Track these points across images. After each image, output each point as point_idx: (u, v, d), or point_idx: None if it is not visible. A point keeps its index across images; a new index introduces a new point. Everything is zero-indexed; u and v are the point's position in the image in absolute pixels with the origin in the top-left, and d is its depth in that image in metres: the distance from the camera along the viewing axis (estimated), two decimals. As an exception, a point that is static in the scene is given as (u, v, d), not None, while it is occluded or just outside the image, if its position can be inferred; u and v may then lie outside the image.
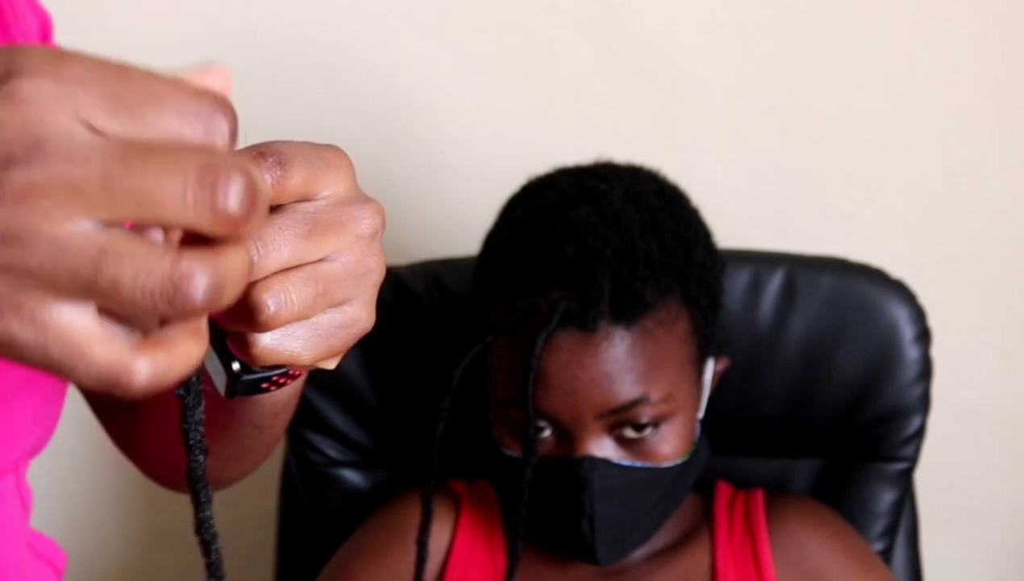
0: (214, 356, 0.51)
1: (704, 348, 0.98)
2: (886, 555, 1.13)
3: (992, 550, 1.42)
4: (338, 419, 1.13)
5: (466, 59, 1.30)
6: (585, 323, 0.90)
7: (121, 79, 0.36)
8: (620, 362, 0.91)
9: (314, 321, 0.48)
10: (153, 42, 1.27)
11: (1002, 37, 1.28)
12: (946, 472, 1.34)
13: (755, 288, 1.10)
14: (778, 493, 1.08)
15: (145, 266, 0.35)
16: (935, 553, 1.25)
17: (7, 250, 0.35)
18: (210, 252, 0.37)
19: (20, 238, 0.35)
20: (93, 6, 1.25)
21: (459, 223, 1.31)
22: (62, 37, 0.77)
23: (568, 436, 0.93)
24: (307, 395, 1.11)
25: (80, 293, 0.36)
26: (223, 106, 0.37)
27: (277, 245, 0.45)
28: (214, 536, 0.48)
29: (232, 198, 0.36)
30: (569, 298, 0.91)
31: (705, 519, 1.05)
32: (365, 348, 1.11)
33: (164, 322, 0.38)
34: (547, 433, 0.94)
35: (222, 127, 0.37)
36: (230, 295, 0.37)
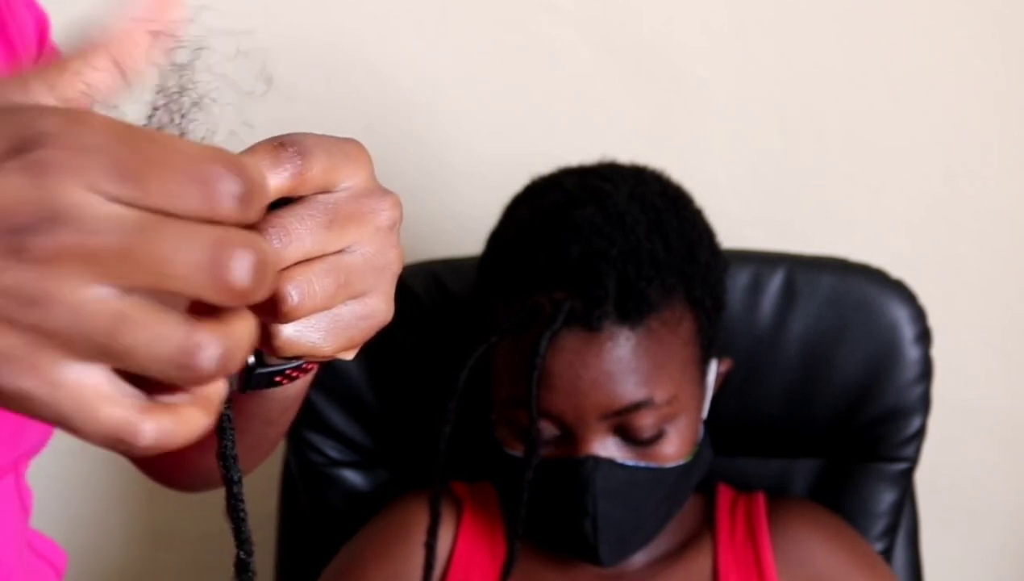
0: None
1: (707, 349, 0.98)
2: (886, 555, 1.13)
3: (992, 550, 1.42)
4: (338, 419, 1.13)
5: (466, 59, 1.30)
6: (590, 323, 0.90)
7: (129, 145, 0.37)
8: (624, 362, 0.91)
9: (335, 313, 0.49)
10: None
11: (1002, 37, 1.28)
12: (946, 472, 1.33)
13: (755, 288, 1.10)
14: (779, 497, 1.08)
15: (159, 335, 0.37)
16: (935, 553, 1.25)
17: (28, 312, 0.36)
18: (221, 323, 0.38)
19: (40, 301, 0.36)
20: (92, 6, 1.25)
21: (459, 223, 1.31)
22: (60, 37, 0.77)
23: (572, 436, 0.93)
24: (307, 395, 1.11)
25: (94, 356, 0.37)
26: (231, 167, 0.37)
27: (300, 235, 0.46)
28: (245, 515, 0.49)
29: (241, 274, 0.37)
30: (574, 298, 0.91)
31: (707, 523, 1.05)
32: (365, 348, 1.11)
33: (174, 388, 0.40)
34: (551, 433, 0.94)
35: (230, 190, 0.37)
36: (237, 364, 0.38)
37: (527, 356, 0.90)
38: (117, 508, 1.45)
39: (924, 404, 1.10)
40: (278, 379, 0.56)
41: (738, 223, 1.17)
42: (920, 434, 1.11)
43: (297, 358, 0.53)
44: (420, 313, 1.11)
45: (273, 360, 0.56)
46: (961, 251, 1.32)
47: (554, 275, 0.93)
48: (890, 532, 1.13)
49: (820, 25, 1.28)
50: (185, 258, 0.36)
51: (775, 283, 1.10)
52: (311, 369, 0.58)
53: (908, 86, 1.29)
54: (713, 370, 1.00)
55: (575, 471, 0.93)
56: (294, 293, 0.46)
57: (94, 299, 0.36)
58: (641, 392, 0.91)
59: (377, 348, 1.13)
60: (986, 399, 1.36)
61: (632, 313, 0.91)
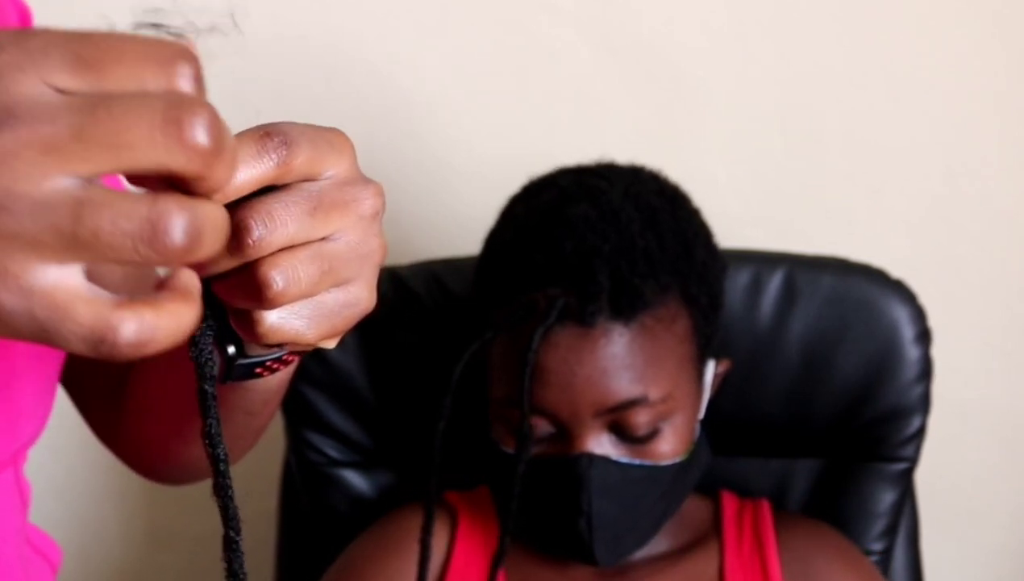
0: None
1: (704, 347, 0.98)
2: (886, 555, 1.13)
3: (992, 550, 1.42)
4: (338, 419, 1.13)
5: (466, 59, 1.30)
6: (584, 319, 0.90)
7: (81, 40, 0.37)
8: (618, 359, 0.91)
9: (318, 300, 0.49)
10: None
11: (1002, 37, 1.28)
12: (946, 472, 1.33)
13: (755, 288, 1.10)
14: (785, 511, 1.08)
15: (123, 211, 0.36)
16: (935, 553, 1.25)
17: None
18: (187, 198, 0.37)
19: (0, 202, 0.35)
20: (93, 6, 1.25)
21: (459, 223, 1.31)
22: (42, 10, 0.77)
23: (566, 433, 0.93)
24: (307, 395, 1.11)
25: (63, 250, 0.36)
26: (183, 52, 0.38)
27: (284, 220, 0.46)
28: (232, 492, 0.49)
29: (199, 131, 0.37)
30: (568, 294, 0.91)
31: (713, 528, 1.04)
32: (365, 348, 1.11)
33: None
34: (545, 430, 0.94)
35: (183, 71, 0.38)
36: (209, 242, 0.38)
37: (521, 353, 0.90)
38: (115, 508, 1.45)
39: (924, 404, 1.10)
40: (259, 371, 0.56)
41: (738, 223, 1.17)
42: (920, 434, 1.11)
43: (279, 346, 0.53)
44: (420, 313, 1.11)
45: (254, 350, 0.56)
46: (961, 251, 1.32)
47: (548, 272, 0.93)
48: (890, 532, 1.13)
49: (820, 25, 1.28)
50: (140, 126, 0.36)
51: (775, 283, 1.10)
52: (292, 361, 0.58)
53: (908, 86, 1.29)
54: (711, 370, 1.00)
55: (570, 469, 0.92)
56: (279, 279, 0.46)
57: (54, 189, 0.35)
58: (636, 389, 0.91)
59: (377, 348, 1.14)
60: (986, 399, 1.36)
61: (626, 309, 0.91)
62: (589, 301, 0.90)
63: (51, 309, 0.37)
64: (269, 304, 0.47)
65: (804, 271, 1.10)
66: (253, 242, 0.46)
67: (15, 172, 0.35)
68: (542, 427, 0.94)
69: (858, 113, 1.30)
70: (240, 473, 1.52)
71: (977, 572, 1.42)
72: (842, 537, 1.06)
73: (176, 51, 0.38)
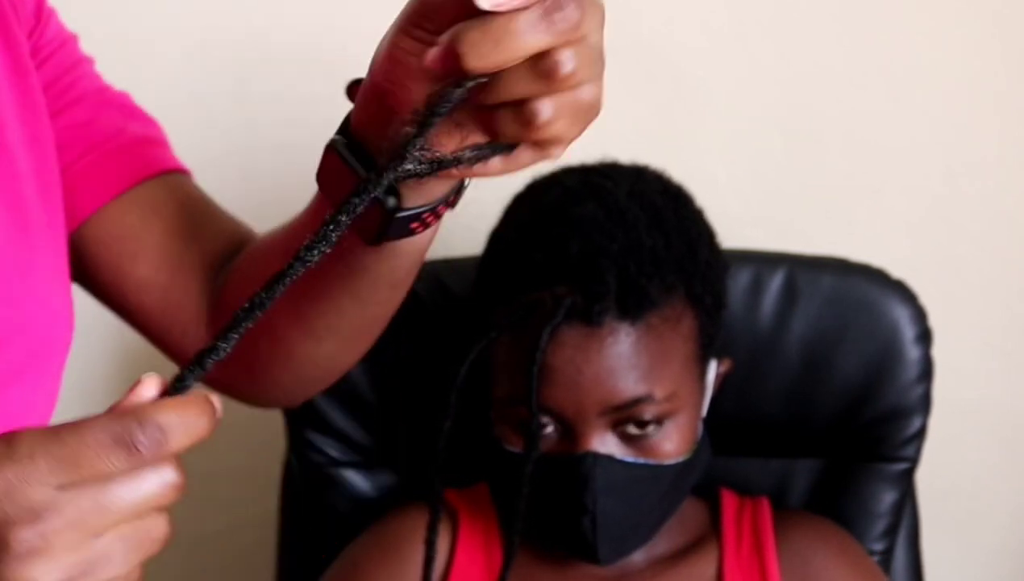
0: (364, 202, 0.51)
1: (707, 347, 0.98)
2: (887, 556, 1.13)
3: (993, 550, 1.42)
4: (339, 419, 1.13)
5: (466, 59, 1.29)
6: (590, 318, 0.90)
7: (57, 443, 0.47)
8: (624, 358, 0.91)
9: (576, 96, 0.53)
10: (152, 42, 1.27)
11: (1002, 37, 1.28)
12: (947, 472, 1.33)
13: (756, 288, 1.10)
14: (785, 508, 1.08)
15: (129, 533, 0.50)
16: (936, 553, 1.25)
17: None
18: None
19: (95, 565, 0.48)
20: (92, 6, 1.24)
21: (460, 223, 1.30)
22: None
23: (571, 432, 0.93)
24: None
25: None
26: (137, 419, 0.48)
27: (571, 9, 0.51)
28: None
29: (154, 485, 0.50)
30: (574, 293, 0.91)
31: (712, 529, 1.04)
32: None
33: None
34: (550, 429, 0.94)
35: (138, 436, 0.48)
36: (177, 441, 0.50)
37: (527, 352, 0.91)
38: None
39: (925, 404, 1.10)
40: (414, 225, 0.57)
41: (738, 223, 1.17)
42: (921, 434, 1.11)
43: (521, 151, 0.56)
44: (421, 313, 1.11)
45: (411, 203, 0.58)
46: (962, 251, 1.32)
47: (554, 271, 0.93)
48: (891, 532, 1.13)
49: (820, 25, 1.28)
50: (121, 495, 0.48)
51: (775, 283, 1.10)
52: (443, 213, 0.62)
53: (908, 86, 1.29)
54: (713, 370, 1.00)
55: (574, 468, 0.92)
56: (570, 59, 0.51)
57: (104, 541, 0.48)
58: (641, 388, 0.91)
59: (378, 348, 1.14)
60: (986, 399, 1.36)
61: (632, 309, 0.91)
62: (596, 300, 0.90)
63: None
64: (559, 84, 0.51)
65: (804, 271, 1.10)
66: (566, 75, 0.51)
67: (36, 565, 0.47)
68: (546, 426, 0.94)
69: (858, 113, 1.30)
70: (240, 473, 1.52)
71: (978, 572, 1.42)
72: (844, 534, 1.06)
73: (128, 423, 0.48)
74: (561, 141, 0.54)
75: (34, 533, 0.46)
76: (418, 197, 0.60)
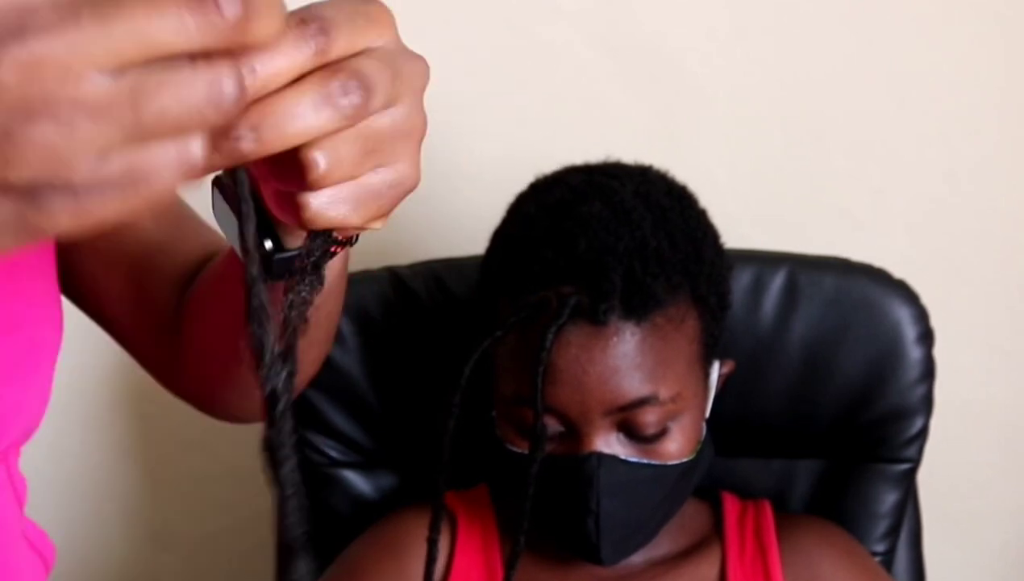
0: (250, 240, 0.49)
1: (711, 348, 0.98)
2: (889, 556, 1.13)
3: (994, 551, 1.42)
4: (339, 419, 1.12)
5: (467, 59, 1.29)
6: (596, 317, 0.90)
7: None
8: (629, 358, 0.91)
9: (363, 182, 0.48)
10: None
11: (1004, 38, 1.28)
12: (948, 473, 1.33)
13: (757, 288, 1.10)
14: (788, 512, 1.08)
15: (184, 84, 0.36)
16: (937, 554, 1.24)
17: (30, 129, 0.35)
18: (222, 58, 0.37)
19: (40, 112, 0.35)
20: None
21: (460, 223, 1.31)
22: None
23: (575, 432, 0.93)
24: (308, 395, 1.11)
25: (124, 140, 0.36)
26: None
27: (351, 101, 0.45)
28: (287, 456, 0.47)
29: (228, 5, 0.36)
30: (580, 292, 0.91)
31: (715, 531, 1.04)
32: (366, 348, 1.11)
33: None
34: (553, 429, 0.94)
35: None
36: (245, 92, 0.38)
37: (532, 351, 0.90)
38: (116, 508, 1.45)
39: (926, 405, 1.09)
40: (299, 264, 0.55)
41: (739, 223, 1.17)
42: (922, 435, 1.10)
43: (326, 235, 0.51)
44: (420, 313, 1.11)
45: (292, 244, 0.55)
46: (963, 251, 1.32)
47: (560, 270, 0.92)
48: (892, 533, 1.12)
49: (821, 26, 1.28)
50: (167, 14, 0.35)
51: (777, 283, 1.10)
52: (337, 252, 0.57)
53: (909, 86, 1.29)
54: (716, 371, 1.00)
55: (578, 468, 0.92)
56: (321, 160, 0.45)
57: (96, 87, 0.35)
58: (646, 388, 0.91)
59: (378, 348, 1.13)
60: (988, 399, 1.36)
61: (638, 308, 0.91)
62: (601, 299, 0.90)
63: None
64: (312, 185, 0.46)
65: (806, 271, 1.10)
66: (317, 178, 0.45)
67: (48, 78, 0.35)
68: (551, 425, 0.93)
69: (860, 113, 1.29)
70: (240, 474, 1.53)
71: (979, 573, 1.42)
72: (848, 537, 1.06)
73: None
74: (347, 226, 0.48)
75: (21, 46, 0.34)
76: (295, 240, 0.56)
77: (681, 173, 1.03)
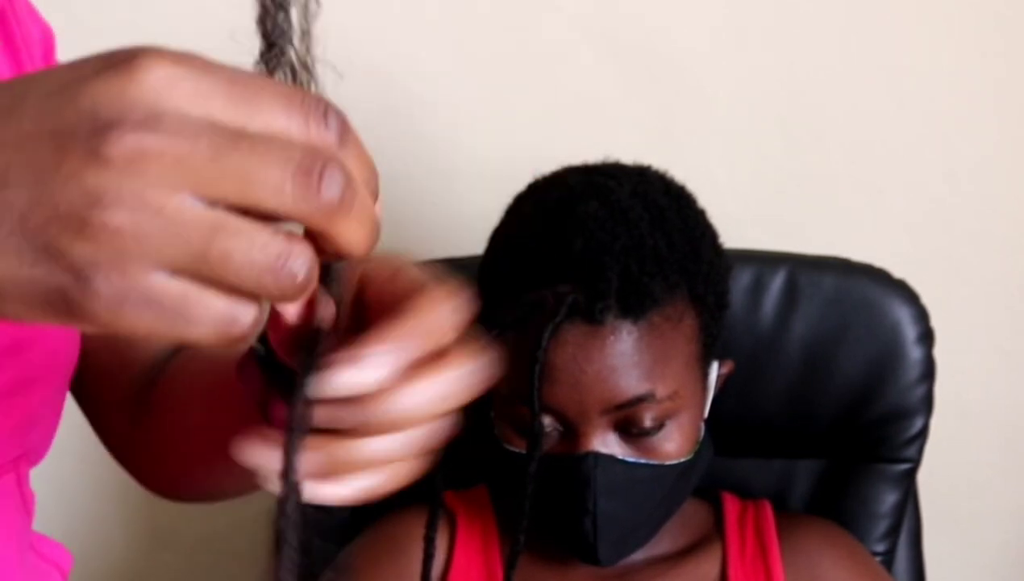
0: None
1: (709, 347, 0.97)
2: (889, 556, 1.13)
3: (994, 551, 1.42)
4: (339, 420, 1.12)
5: (467, 59, 1.29)
6: (593, 316, 0.90)
7: (237, 73, 0.38)
8: (627, 356, 0.91)
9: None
10: (153, 41, 1.27)
11: (1004, 38, 1.28)
12: (948, 473, 1.33)
13: (757, 288, 1.10)
14: (789, 512, 1.08)
15: (259, 242, 0.36)
16: (937, 554, 1.24)
17: (110, 214, 0.35)
18: (303, 239, 0.38)
19: (125, 203, 0.35)
20: (93, 4, 1.24)
21: (460, 223, 1.31)
22: (65, 35, 0.77)
23: (573, 431, 0.93)
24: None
25: (186, 264, 0.36)
26: (332, 107, 0.39)
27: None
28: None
29: (329, 189, 0.37)
30: (577, 291, 0.91)
31: (715, 531, 1.04)
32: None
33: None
34: (551, 428, 0.94)
35: (330, 122, 0.38)
36: (313, 282, 0.39)
37: (529, 350, 0.90)
38: (117, 509, 1.45)
39: (926, 404, 1.09)
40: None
41: (739, 223, 1.17)
42: (923, 435, 1.10)
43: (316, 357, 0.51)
44: (421, 313, 1.11)
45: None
46: (963, 251, 1.32)
47: (557, 269, 0.92)
48: (892, 533, 1.12)
49: (821, 26, 1.28)
50: (275, 168, 0.36)
51: (777, 283, 1.10)
52: None
53: (910, 86, 1.29)
54: (715, 371, 1.00)
55: (576, 467, 0.92)
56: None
57: (183, 206, 0.36)
58: (643, 386, 0.91)
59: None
60: (988, 399, 1.36)
61: (635, 307, 0.91)
62: (598, 298, 0.90)
63: (175, 305, 0.37)
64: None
65: (806, 271, 1.10)
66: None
67: (147, 177, 0.35)
68: (548, 425, 0.93)
69: (859, 113, 1.29)
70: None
71: (980, 573, 1.42)
72: (849, 537, 1.06)
73: (326, 105, 0.39)
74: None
75: (136, 139, 0.35)
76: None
77: (681, 173, 1.03)
